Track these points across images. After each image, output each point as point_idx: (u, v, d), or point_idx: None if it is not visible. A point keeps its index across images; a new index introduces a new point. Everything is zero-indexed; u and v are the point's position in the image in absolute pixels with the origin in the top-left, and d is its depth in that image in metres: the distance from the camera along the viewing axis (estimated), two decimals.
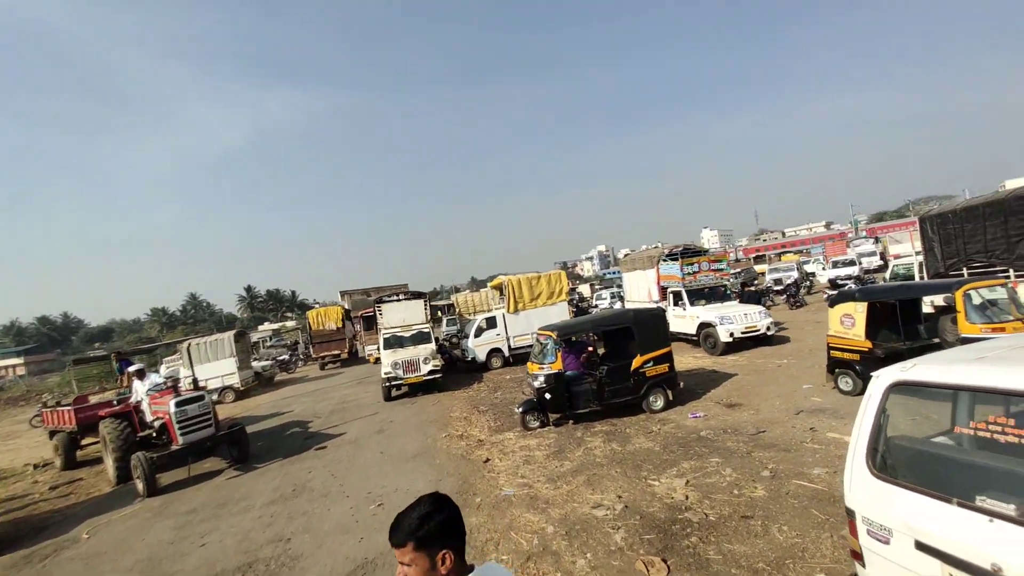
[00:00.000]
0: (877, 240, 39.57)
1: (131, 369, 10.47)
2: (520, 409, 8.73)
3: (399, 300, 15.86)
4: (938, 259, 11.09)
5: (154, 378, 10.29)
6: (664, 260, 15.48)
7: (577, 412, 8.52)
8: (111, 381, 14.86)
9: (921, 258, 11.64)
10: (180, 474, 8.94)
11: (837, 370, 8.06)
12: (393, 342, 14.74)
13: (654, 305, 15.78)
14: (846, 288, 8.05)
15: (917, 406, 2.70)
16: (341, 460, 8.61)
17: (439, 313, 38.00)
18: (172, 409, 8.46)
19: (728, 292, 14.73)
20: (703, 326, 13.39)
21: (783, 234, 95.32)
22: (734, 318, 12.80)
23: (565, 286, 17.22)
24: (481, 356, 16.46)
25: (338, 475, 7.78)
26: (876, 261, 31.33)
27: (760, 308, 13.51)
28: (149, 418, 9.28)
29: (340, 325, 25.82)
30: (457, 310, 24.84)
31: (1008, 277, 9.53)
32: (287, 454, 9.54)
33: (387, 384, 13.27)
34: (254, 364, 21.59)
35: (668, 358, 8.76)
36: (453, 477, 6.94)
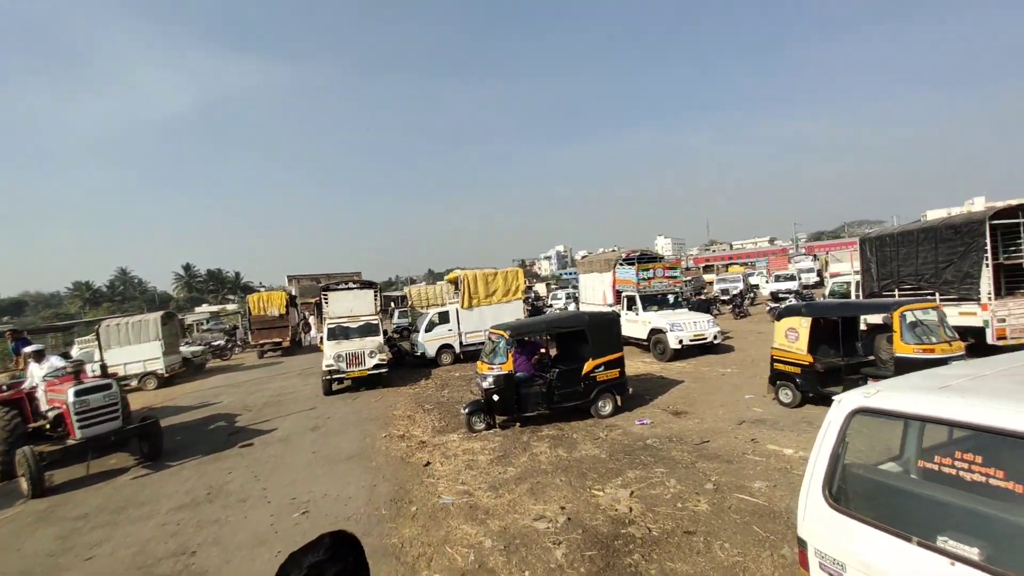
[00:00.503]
0: (815, 258, 42.09)
1: (27, 350, 9.26)
2: (466, 410, 8.38)
3: (348, 289, 15.06)
4: (873, 279, 11.69)
5: (54, 361, 9.11)
6: (621, 264, 15.56)
7: (525, 415, 8.27)
8: (6, 363, 13.20)
9: (859, 277, 12.28)
10: (79, 471, 7.93)
11: (778, 382, 8.24)
12: (338, 333, 13.97)
13: (608, 309, 15.85)
14: (793, 303, 8.20)
15: (875, 432, 2.58)
16: (267, 459, 7.93)
17: (392, 304, 36.93)
18: (70, 399, 7.46)
19: (680, 300, 14.99)
20: (654, 332, 13.54)
21: (731, 246, 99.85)
22: (684, 325, 13.01)
23: (521, 284, 16.99)
24: (431, 351, 15.94)
25: (262, 477, 7.12)
26: (814, 277, 33.30)
27: (709, 317, 13.83)
28: (44, 407, 8.19)
29: (283, 312, 24.41)
30: (410, 302, 24.10)
31: (934, 300, 10.15)
32: (207, 451, 8.71)
33: (328, 377, 12.52)
34: (183, 349, 19.97)
35: (620, 363, 8.67)
36: (389, 482, 6.49)
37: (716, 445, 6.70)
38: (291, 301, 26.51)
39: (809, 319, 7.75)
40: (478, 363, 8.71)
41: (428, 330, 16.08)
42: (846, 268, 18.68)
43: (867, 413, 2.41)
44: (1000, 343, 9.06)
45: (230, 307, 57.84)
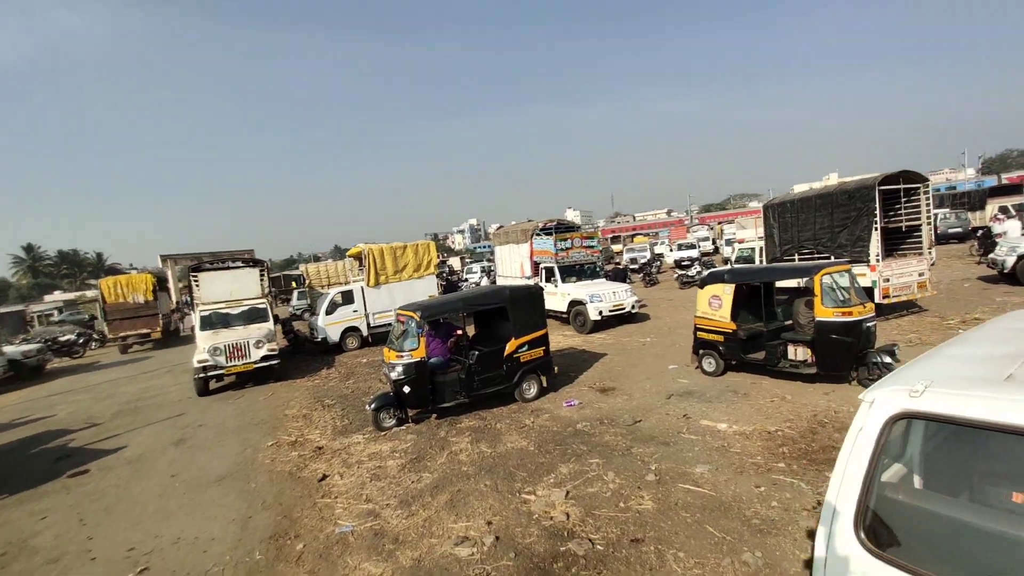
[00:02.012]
0: (710, 227, 45.50)
1: None
2: (372, 405, 7.16)
3: (225, 268, 12.70)
4: (776, 244, 12.18)
5: None
6: (538, 234, 14.88)
7: (442, 406, 7.27)
8: None
9: (762, 243, 12.78)
10: None
11: (702, 351, 8.08)
12: (215, 321, 11.76)
13: (527, 281, 15.17)
14: (716, 269, 7.97)
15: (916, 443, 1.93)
16: (104, 492, 6.12)
17: (293, 284, 33.33)
18: None
19: (598, 270, 14.74)
20: (574, 304, 13.14)
21: (634, 217, 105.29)
22: (603, 296, 12.72)
23: (434, 258, 15.69)
24: (334, 336, 14.20)
25: (90, 520, 5.39)
26: (709, 246, 35.87)
27: (626, 286, 13.71)
28: None
29: (150, 297, 20.66)
30: (307, 282, 21.60)
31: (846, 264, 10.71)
32: (19, 487, 6.60)
33: (202, 375, 10.43)
34: (7, 349, 15.99)
35: (544, 341, 7.95)
36: (270, 510, 5.17)
37: (649, 424, 6.25)
38: (161, 284, 22.63)
39: (732, 286, 7.56)
40: (385, 350, 7.47)
41: (329, 312, 14.26)
42: (751, 235, 19.87)
43: (915, 419, 1.73)
44: (885, 301, 9.77)
45: (90, 293, 49.01)
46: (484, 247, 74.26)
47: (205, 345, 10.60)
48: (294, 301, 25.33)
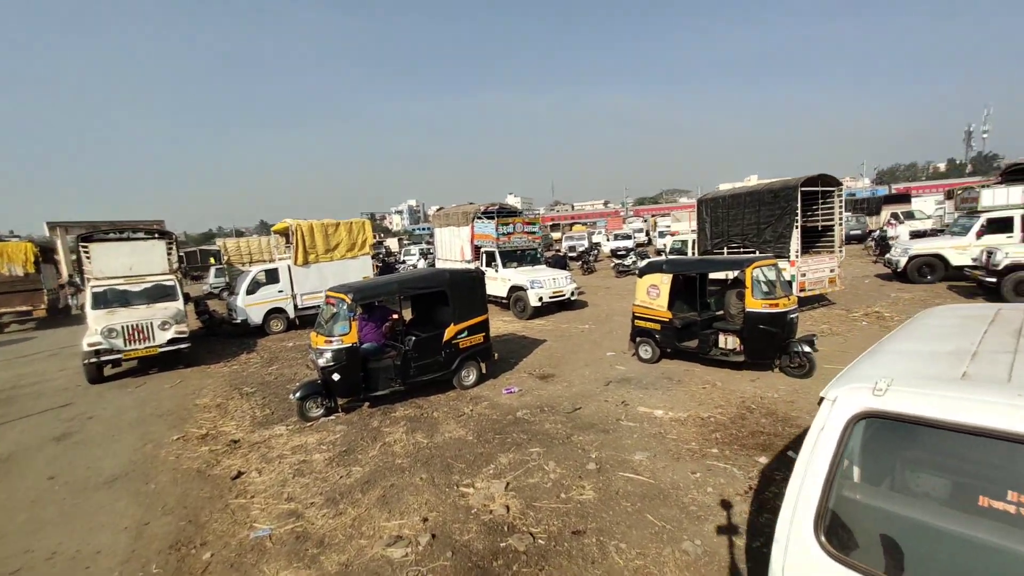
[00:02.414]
0: (645, 220, 47.41)
1: None
2: (297, 395, 6.59)
3: (124, 239, 11.20)
4: (707, 238, 12.76)
5: None
6: (479, 218, 14.54)
7: (375, 394, 6.85)
8: None
9: (695, 236, 13.34)
10: None
11: (639, 339, 8.25)
12: (111, 299, 10.37)
13: (467, 265, 14.85)
14: (654, 259, 8.14)
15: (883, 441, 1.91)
16: None
17: (212, 260, 30.45)
18: None
19: (539, 256, 14.71)
20: (514, 289, 13.03)
21: (572, 207, 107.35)
22: (544, 282, 12.71)
23: (369, 237, 14.86)
24: (256, 318, 13.08)
25: None
26: (644, 237, 37.37)
27: (566, 273, 13.81)
28: None
29: (31, 270, 17.96)
30: (226, 258, 19.77)
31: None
32: None
33: (93, 360, 9.14)
34: None
35: (484, 327, 7.73)
36: (171, 515, 4.56)
37: (588, 411, 6.25)
38: (47, 256, 19.77)
39: (670, 276, 7.75)
40: (312, 334, 6.88)
41: (251, 292, 13.10)
42: (685, 228, 20.75)
43: (877, 419, 1.69)
44: (802, 294, 10.54)
45: None
46: (423, 229, 72.49)
47: (98, 326, 9.29)
48: (210, 279, 23.14)
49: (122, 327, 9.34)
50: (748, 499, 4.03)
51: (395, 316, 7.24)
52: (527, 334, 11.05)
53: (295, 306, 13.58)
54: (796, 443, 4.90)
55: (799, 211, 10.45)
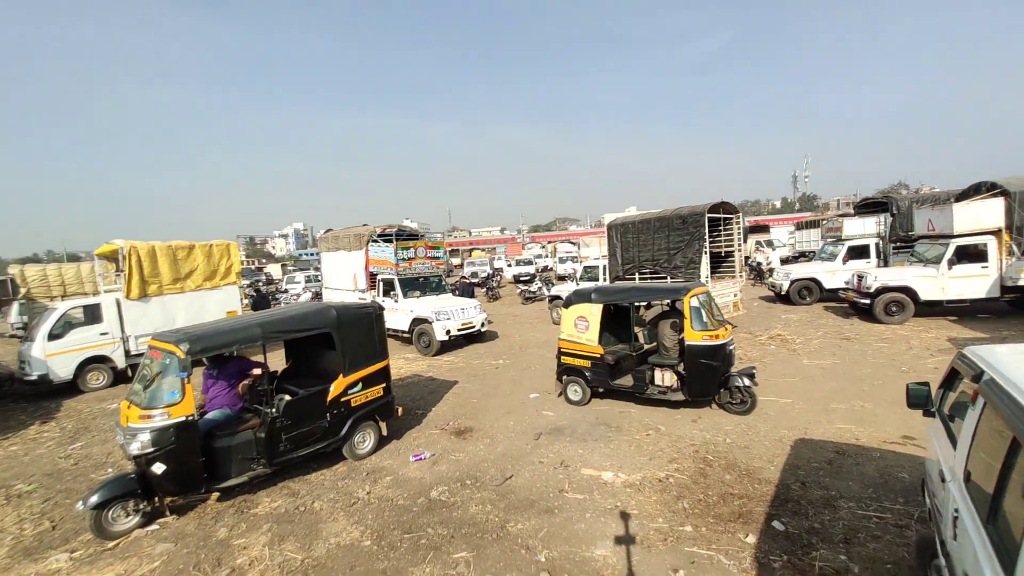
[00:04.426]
0: (543, 246, 48.49)
1: None
2: (92, 501, 4.34)
3: None
4: (619, 264, 12.49)
5: None
6: (376, 241, 12.81)
7: (226, 485, 4.84)
8: None
9: (607, 262, 13.04)
10: None
11: (566, 377, 7.25)
12: None
13: (362, 295, 12.93)
14: (581, 287, 7.27)
15: None
16: None
17: (23, 292, 23.60)
18: None
19: (443, 283, 13.31)
20: (417, 322, 11.43)
21: (470, 233, 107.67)
22: (451, 313, 11.32)
23: (236, 264, 12.22)
24: (63, 371, 9.74)
25: None
26: (543, 263, 37.87)
27: (475, 302, 12.57)
28: None
29: None
30: (23, 291, 15.16)
31: (706, 285, 11.22)
32: None
33: None
34: None
35: (385, 376, 6.12)
36: None
37: (523, 481, 4.97)
38: None
39: (600, 306, 6.90)
40: (123, 405, 4.69)
41: (57, 335, 9.77)
42: (595, 253, 20.80)
43: None
44: None
45: None
46: (311, 254, 66.63)
47: None
48: (12, 317, 17.78)
49: None
50: None
51: (256, 371, 5.28)
52: (435, 374, 9.52)
53: (126, 352, 10.45)
54: (777, 508, 4.11)
55: (707, 237, 10.52)
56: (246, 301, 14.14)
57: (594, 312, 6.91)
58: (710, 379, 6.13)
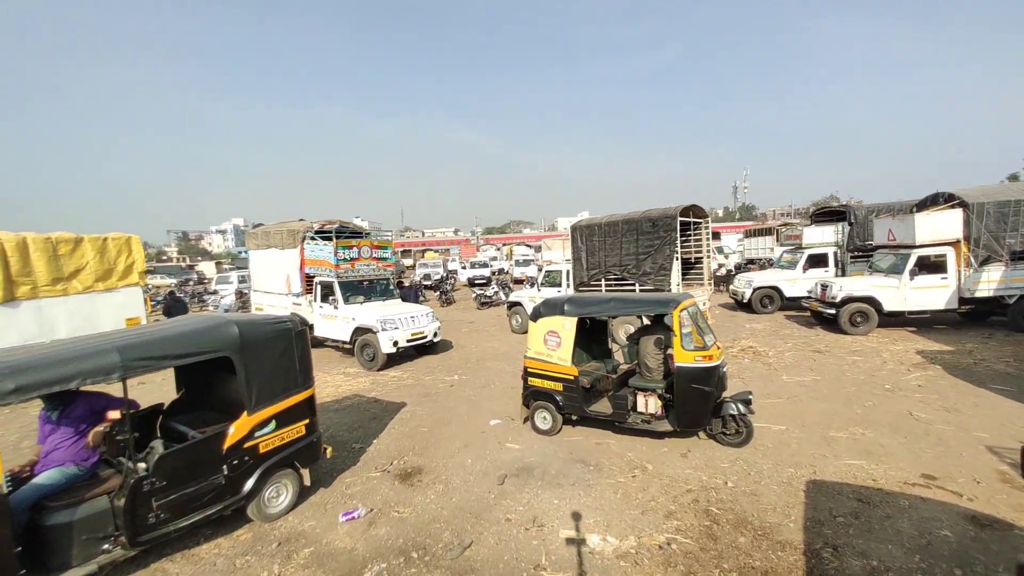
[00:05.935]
0: (499, 248, 47.53)
1: None
2: None
3: None
4: (584, 269, 11.63)
5: None
6: (312, 238, 11.24)
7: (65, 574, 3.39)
8: None
9: (570, 266, 12.16)
10: None
11: (534, 402, 6.20)
12: None
13: (296, 300, 11.35)
14: (552, 297, 6.25)
15: None
16: None
17: None
18: None
19: (392, 288, 11.92)
20: (360, 331, 10.02)
21: (423, 233, 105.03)
22: (399, 322, 10.00)
23: (138, 261, 10.26)
24: None
25: None
26: (498, 266, 36.88)
27: (427, 309, 11.26)
28: None
29: None
30: None
31: (634, 290, 10.48)
32: None
33: None
34: None
35: (308, 409, 4.79)
36: None
37: (486, 551, 3.84)
38: None
39: (574, 320, 5.91)
40: None
41: None
42: (558, 256, 19.93)
43: None
44: None
45: None
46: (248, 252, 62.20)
47: None
48: None
49: None
50: None
51: (114, 413, 3.80)
52: (379, 394, 8.19)
53: None
54: None
55: (678, 241, 9.86)
56: (154, 305, 12.06)
57: (567, 326, 5.91)
58: (703, 407, 5.26)
